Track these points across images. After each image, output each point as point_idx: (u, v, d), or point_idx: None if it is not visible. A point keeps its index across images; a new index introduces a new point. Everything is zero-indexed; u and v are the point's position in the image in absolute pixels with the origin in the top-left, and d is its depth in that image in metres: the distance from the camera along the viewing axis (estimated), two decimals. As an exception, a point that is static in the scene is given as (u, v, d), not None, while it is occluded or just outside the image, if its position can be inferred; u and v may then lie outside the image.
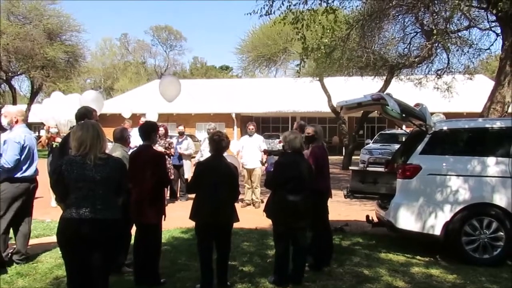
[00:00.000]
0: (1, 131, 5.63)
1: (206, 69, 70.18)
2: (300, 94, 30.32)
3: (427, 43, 14.88)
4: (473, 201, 5.90)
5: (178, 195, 11.21)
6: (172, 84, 8.41)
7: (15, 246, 5.69)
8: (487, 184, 5.92)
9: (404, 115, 6.22)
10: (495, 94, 10.05)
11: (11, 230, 5.66)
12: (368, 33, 14.60)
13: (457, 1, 9.44)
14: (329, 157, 6.11)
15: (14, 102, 30.08)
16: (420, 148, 6.24)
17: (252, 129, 10.41)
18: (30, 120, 24.63)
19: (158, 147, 8.96)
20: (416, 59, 16.73)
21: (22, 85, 50.91)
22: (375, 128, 31.90)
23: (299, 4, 9.75)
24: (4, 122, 5.64)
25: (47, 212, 9.06)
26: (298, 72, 13.67)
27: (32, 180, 5.65)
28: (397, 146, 11.48)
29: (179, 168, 11.00)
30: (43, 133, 12.23)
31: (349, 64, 18.45)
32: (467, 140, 6.47)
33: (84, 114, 5.34)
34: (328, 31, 10.50)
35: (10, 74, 30.60)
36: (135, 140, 7.41)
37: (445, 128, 6.44)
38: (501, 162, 5.94)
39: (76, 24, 30.65)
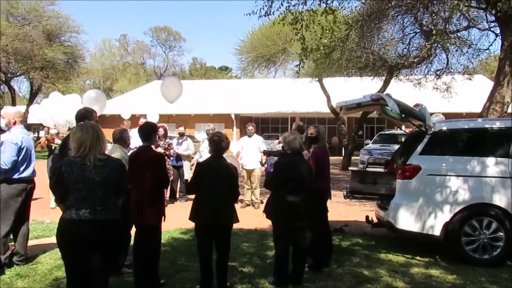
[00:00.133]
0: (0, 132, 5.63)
1: (205, 70, 70.19)
2: (299, 95, 30.33)
3: (426, 43, 14.90)
4: (472, 202, 5.90)
5: (177, 196, 11.21)
6: (174, 85, 8.41)
7: (13, 247, 5.68)
8: (487, 185, 5.92)
9: (403, 115, 6.23)
10: (494, 94, 10.05)
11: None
12: (367, 33, 14.61)
13: (456, 2, 9.44)
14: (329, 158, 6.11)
15: (14, 103, 30.10)
16: (419, 148, 6.24)
17: (252, 129, 10.41)
18: (29, 121, 24.61)
19: (158, 148, 8.96)
20: (415, 60, 16.73)
21: (21, 86, 51.03)
22: (375, 129, 31.90)
23: (298, 4, 9.77)
24: (2, 124, 5.63)
25: (46, 213, 9.06)
26: (297, 73, 13.66)
27: (30, 181, 5.64)
28: (396, 147, 11.49)
29: (178, 168, 10.99)
30: (42, 134, 12.23)
31: (348, 64, 18.46)
32: (467, 141, 6.47)
33: (84, 115, 5.33)
34: (327, 31, 10.51)
35: (9, 75, 30.61)
36: (135, 141, 7.41)
37: (444, 128, 6.44)
38: (500, 163, 5.94)
39: (75, 25, 30.72)
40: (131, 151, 5.67)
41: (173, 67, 69.36)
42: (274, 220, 5.12)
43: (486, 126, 6.62)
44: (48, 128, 10.85)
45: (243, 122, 27.70)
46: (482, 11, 12.20)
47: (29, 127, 31.49)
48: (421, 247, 6.35)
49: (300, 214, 4.97)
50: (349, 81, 22.09)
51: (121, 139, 5.49)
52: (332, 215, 6.27)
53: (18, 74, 31.40)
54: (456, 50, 16.11)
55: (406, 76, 19.87)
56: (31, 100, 31.47)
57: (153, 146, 5.41)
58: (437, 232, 5.95)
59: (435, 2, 12.13)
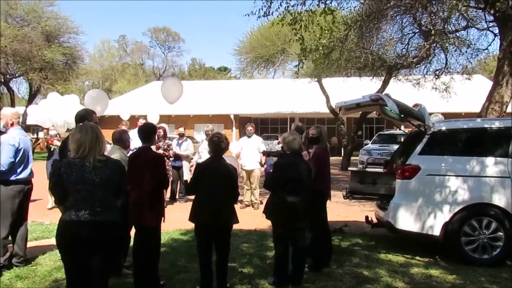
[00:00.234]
0: None
1: (204, 71, 70.18)
2: (298, 95, 30.33)
3: (425, 43, 14.90)
4: (472, 201, 5.90)
5: (177, 197, 11.20)
6: (175, 86, 8.40)
7: (12, 249, 5.66)
8: (486, 184, 5.92)
9: (402, 115, 6.24)
10: (493, 94, 10.06)
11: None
12: (366, 33, 14.61)
13: (455, 2, 9.46)
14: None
15: (12, 105, 30.06)
16: (419, 148, 6.24)
17: (251, 130, 10.41)
18: (28, 122, 24.60)
19: (159, 150, 8.97)
20: (414, 60, 16.74)
21: (20, 87, 50.97)
22: (374, 129, 31.92)
23: (297, 5, 9.78)
24: (0, 125, 5.62)
25: (46, 214, 9.06)
26: (296, 73, 13.68)
27: (27, 182, 5.63)
28: (395, 147, 11.49)
29: (178, 169, 10.99)
30: (41, 135, 12.21)
31: (347, 64, 18.47)
32: (466, 140, 6.48)
33: (84, 116, 5.33)
34: (326, 32, 10.52)
35: (8, 76, 30.61)
36: (134, 142, 7.40)
37: (443, 128, 6.44)
38: (500, 162, 5.95)
39: (74, 26, 30.73)
40: (130, 152, 5.66)
41: (172, 67, 69.38)
42: (274, 220, 5.12)
43: (485, 126, 6.62)
44: (48, 129, 10.81)
45: (242, 123, 27.69)
46: (480, 11, 12.20)
47: (28, 128, 31.50)
48: (421, 247, 6.35)
49: (299, 214, 4.97)
50: (348, 81, 22.10)
51: (121, 140, 5.49)
52: (331, 216, 6.27)
53: (17, 75, 31.41)
54: (455, 50, 16.14)
55: (405, 76, 19.89)
56: (30, 101, 31.45)
57: (153, 147, 5.41)
58: (436, 232, 5.95)
59: (433, 2, 12.13)
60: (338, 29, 12.42)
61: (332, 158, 6.09)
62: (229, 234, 4.89)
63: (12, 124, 5.58)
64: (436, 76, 18.17)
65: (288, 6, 9.61)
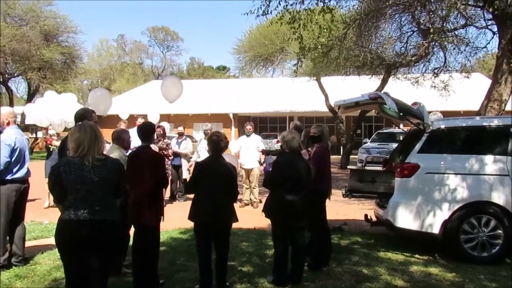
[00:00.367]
0: None
1: (203, 70, 70.12)
2: (297, 94, 30.32)
3: (424, 42, 14.90)
4: (471, 199, 5.91)
5: (176, 196, 11.20)
6: (174, 85, 8.39)
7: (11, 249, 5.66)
8: (485, 182, 5.92)
9: (401, 113, 6.23)
10: (492, 92, 10.07)
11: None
12: (365, 32, 14.61)
13: (453, 0, 9.45)
14: (327, 157, 6.11)
15: (11, 104, 29.98)
16: (418, 146, 6.25)
17: (250, 129, 10.41)
18: (27, 121, 24.58)
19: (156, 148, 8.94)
20: (413, 58, 16.74)
21: (19, 87, 50.87)
22: (373, 127, 31.90)
23: (296, 3, 9.76)
24: None
25: (45, 213, 9.05)
26: (295, 72, 13.71)
27: (24, 182, 5.61)
28: (394, 145, 11.52)
29: (177, 168, 10.98)
30: (40, 135, 12.16)
31: (346, 63, 18.46)
32: (465, 139, 6.48)
33: (83, 115, 5.32)
34: (325, 30, 10.51)
35: (6, 75, 30.54)
36: (133, 141, 7.39)
37: (442, 126, 6.45)
38: (499, 160, 5.95)
39: (73, 25, 30.65)
40: (129, 151, 5.65)
41: (171, 67, 69.32)
42: (273, 219, 5.12)
43: (484, 124, 6.62)
44: (47, 129, 10.79)
45: (241, 122, 27.71)
46: (479, 9, 12.21)
47: (27, 128, 31.46)
48: (420, 245, 6.36)
49: (298, 213, 4.98)
50: (347, 80, 22.11)
51: (120, 140, 5.47)
52: (330, 214, 6.27)
53: (15, 74, 31.35)
54: (454, 49, 16.13)
55: (404, 75, 19.89)
56: (29, 100, 31.39)
57: (152, 146, 5.40)
58: (436, 230, 5.95)
59: (432, 0, 12.14)
60: (337, 28, 12.42)
61: (331, 157, 6.09)
62: (229, 233, 4.88)
63: (8, 123, 5.56)
64: (435, 75, 18.18)
65: (287, 5, 9.60)
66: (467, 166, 6.00)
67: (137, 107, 24.33)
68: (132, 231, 5.06)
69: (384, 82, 19.55)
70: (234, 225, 4.96)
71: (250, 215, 8.58)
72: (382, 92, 6.76)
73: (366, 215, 7.11)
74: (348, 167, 11.59)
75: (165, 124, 13.03)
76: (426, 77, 18.95)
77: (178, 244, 6.74)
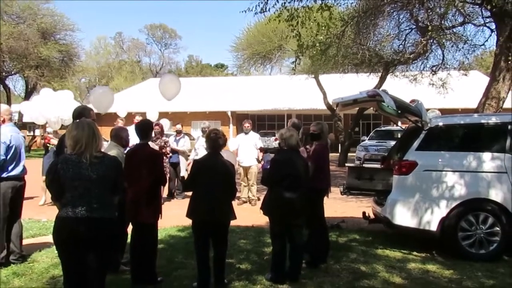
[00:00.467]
0: None
1: (201, 68, 70.02)
2: (295, 92, 30.30)
3: (422, 39, 14.89)
4: (469, 197, 5.92)
5: (174, 194, 11.19)
6: (172, 82, 8.36)
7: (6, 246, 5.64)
8: (483, 180, 5.94)
9: (400, 111, 6.24)
10: (490, 89, 10.08)
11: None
12: (363, 29, 14.60)
13: (451, -3, 9.46)
14: (325, 154, 6.11)
15: (9, 102, 29.99)
16: (416, 144, 6.25)
17: (248, 127, 10.41)
18: (24, 119, 24.53)
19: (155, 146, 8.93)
20: (411, 56, 16.73)
21: (17, 84, 50.76)
22: (371, 125, 31.91)
23: (294, 1, 9.75)
24: None
25: (43, 211, 9.04)
26: (293, 70, 13.66)
27: (20, 179, 5.59)
28: (392, 143, 11.51)
29: (175, 166, 10.98)
30: (38, 132, 12.10)
31: (344, 61, 18.45)
32: (463, 136, 6.50)
33: (81, 113, 5.31)
34: (323, 28, 10.49)
35: (4, 73, 30.49)
36: (131, 138, 7.38)
37: (440, 124, 6.45)
38: (496, 158, 5.96)
39: (70, 23, 30.64)
40: (128, 149, 5.64)
41: (169, 64, 69.23)
42: (271, 216, 5.12)
43: (482, 121, 6.63)
44: (44, 127, 10.74)
45: (240, 119, 27.68)
46: (477, 6, 12.21)
47: (24, 126, 31.41)
48: (418, 243, 6.37)
49: (297, 210, 4.98)
50: (345, 78, 22.09)
51: (118, 137, 5.46)
52: (328, 212, 6.28)
53: (13, 72, 31.31)
54: (452, 46, 16.14)
55: (402, 72, 19.88)
56: (26, 98, 31.26)
57: (151, 144, 5.39)
58: (433, 227, 5.96)
59: (430, -2, 12.14)
60: (335, 25, 12.41)
61: (329, 155, 6.09)
62: (227, 231, 4.89)
63: (3, 121, 5.53)
64: (433, 72, 18.18)
65: (285, 3, 9.59)
66: (465, 164, 6.01)
67: (135, 105, 24.32)
68: (130, 228, 5.06)
69: (382, 80, 19.55)
70: (232, 223, 4.96)
71: (248, 212, 8.58)
72: (380, 89, 6.76)
73: (364, 213, 7.11)
74: (346, 164, 11.58)
75: (165, 121, 12.99)
76: (424, 75, 18.95)
77: (176, 241, 6.74)
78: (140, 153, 4.99)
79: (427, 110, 6.61)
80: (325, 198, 5.86)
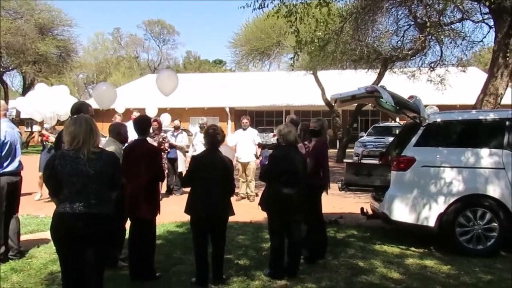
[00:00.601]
0: None
1: (199, 63, 69.88)
2: (294, 88, 30.31)
3: (420, 35, 14.91)
4: (466, 193, 5.93)
5: (172, 189, 11.18)
6: (170, 78, 8.35)
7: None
8: (481, 176, 5.95)
9: (398, 107, 6.24)
10: (488, 86, 10.08)
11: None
12: (362, 26, 14.59)
13: (450, -7, 9.45)
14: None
15: (6, 98, 29.87)
16: (414, 140, 6.26)
17: (246, 123, 10.40)
18: (22, 115, 24.47)
19: (153, 142, 8.92)
20: (409, 52, 16.75)
21: (14, 80, 50.62)
22: (369, 121, 31.97)
23: (292, -3, 9.72)
24: None
25: (41, 207, 9.03)
26: (291, 66, 13.65)
27: (16, 175, 5.57)
28: (391, 139, 11.52)
29: (173, 162, 10.97)
30: (35, 128, 12.00)
31: (342, 57, 18.45)
32: (461, 132, 6.50)
33: (79, 108, 5.29)
34: (322, 24, 10.47)
35: (1, 69, 30.36)
36: (130, 134, 7.37)
37: (438, 120, 6.46)
38: (494, 154, 5.97)
39: (68, 18, 30.52)
40: (126, 145, 5.63)
41: (167, 60, 69.05)
42: (269, 212, 5.13)
43: (480, 117, 6.64)
44: (42, 123, 10.68)
45: (238, 116, 27.69)
46: (476, 3, 12.20)
47: (22, 122, 31.34)
48: (416, 238, 6.38)
49: (295, 206, 4.98)
50: (343, 74, 22.09)
51: (117, 133, 5.44)
52: (327, 208, 6.29)
53: (10, 68, 31.18)
54: (450, 42, 16.14)
55: (400, 69, 19.90)
56: (24, 94, 31.19)
57: (149, 139, 5.39)
58: (431, 223, 5.98)
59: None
60: (334, 22, 12.40)
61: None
62: (225, 227, 4.89)
63: None
64: (431, 69, 18.21)
65: (283, -2, 9.57)
66: (462, 160, 6.02)
67: (133, 101, 24.29)
68: (128, 224, 5.06)
69: (380, 76, 19.56)
70: (231, 219, 4.97)
71: (247, 208, 8.59)
72: (379, 85, 6.76)
73: (362, 209, 7.13)
74: (344, 160, 11.61)
75: (166, 116, 12.96)
76: (423, 71, 18.97)
77: (174, 237, 6.74)
78: (138, 149, 4.99)
79: (425, 106, 6.61)
80: (324, 194, 5.87)
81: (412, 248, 6.14)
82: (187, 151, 11.28)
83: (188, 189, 4.95)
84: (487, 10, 11.39)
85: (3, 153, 5.36)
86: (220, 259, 4.81)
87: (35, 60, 28.23)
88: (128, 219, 5.00)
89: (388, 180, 6.41)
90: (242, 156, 10.18)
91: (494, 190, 5.86)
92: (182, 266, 5.34)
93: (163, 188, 10.45)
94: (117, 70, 62.25)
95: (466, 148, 6.10)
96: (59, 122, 10.63)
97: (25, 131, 34.09)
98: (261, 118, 35.09)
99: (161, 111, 14.43)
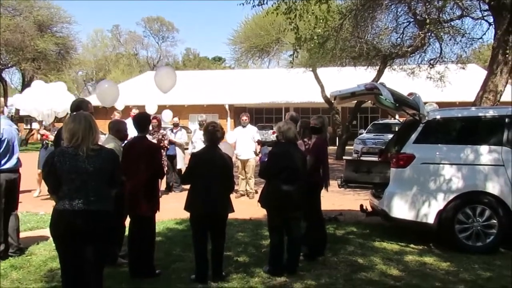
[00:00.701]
0: None
1: (198, 61, 69.77)
2: (293, 85, 30.29)
3: (420, 32, 14.90)
4: (466, 190, 5.93)
5: (172, 187, 11.18)
6: (168, 75, 8.34)
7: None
8: (480, 173, 5.95)
9: (397, 104, 6.25)
10: (487, 83, 10.08)
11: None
12: (361, 23, 14.60)
13: (449, -10, 9.44)
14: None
15: (5, 95, 29.83)
16: (413, 137, 6.26)
17: (246, 120, 10.39)
18: (22, 113, 24.43)
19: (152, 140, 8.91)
20: (409, 49, 16.74)
21: (13, 77, 50.46)
22: (368, 118, 31.94)
23: (292, -6, 9.71)
24: None
25: (40, 205, 9.03)
26: (291, 63, 13.63)
27: (14, 171, 5.57)
28: (390, 136, 11.52)
29: (172, 159, 10.96)
30: (35, 126, 11.98)
31: (342, 54, 18.44)
32: (460, 129, 6.50)
33: (79, 106, 5.29)
34: (321, 21, 10.46)
35: (0, 66, 30.32)
36: (129, 131, 7.37)
37: (438, 117, 6.45)
38: (493, 151, 5.97)
39: (67, 15, 30.45)
40: (125, 142, 5.62)
41: (166, 57, 68.91)
42: (269, 209, 5.13)
43: (480, 114, 6.63)
44: (41, 122, 10.65)
45: (237, 113, 27.67)
46: (475, 0, 12.20)
47: (21, 119, 31.31)
48: (415, 235, 6.39)
49: (294, 203, 4.98)
50: (343, 71, 22.09)
51: (117, 130, 5.44)
52: (326, 205, 6.29)
53: (9, 65, 31.14)
54: (450, 39, 16.15)
55: (400, 66, 19.90)
56: (23, 91, 31.19)
57: (149, 137, 5.38)
58: (430, 220, 5.98)
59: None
60: (333, 19, 12.40)
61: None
62: (225, 224, 4.90)
63: None
64: (430, 66, 18.21)
65: (282, -5, 9.56)
66: (462, 156, 6.02)
67: (132, 98, 24.25)
68: (128, 221, 5.06)
69: (380, 73, 19.55)
70: (230, 216, 4.97)
71: (246, 205, 8.60)
72: (378, 82, 6.75)
73: (361, 205, 7.13)
74: (344, 157, 11.60)
75: (168, 113, 12.93)
76: (422, 68, 18.98)
77: (174, 234, 6.74)
78: (138, 146, 4.98)
79: (425, 103, 6.62)
80: (324, 191, 5.87)
81: (412, 245, 6.15)
82: (186, 148, 11.28)
83: (187, 186, 4.95)
84: (486, 7, 11.39)
85: (0, 150, 5.35)
86: (219, 256, 4.82)
87: (34, 57, 28.18)
88: (128, 216, 5.01)
89: (388, 177, 6.42)
90: (241, 153, 10.17)
91: (493, 187, 5.87)
92: (181, 263, 5.34)
93: (163, 185, 10.44)
94: (116, 67, 62.14)
95: (465, 145, 6.10)
96: (57, 119, 10.60)
97: (25, 129, 34.09)
98: (261, 115, 35.06)
99: (160, 108, 14.40)
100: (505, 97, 10.61)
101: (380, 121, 22.98)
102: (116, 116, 9.59)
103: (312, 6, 9.82)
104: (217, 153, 4.81)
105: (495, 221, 5.83)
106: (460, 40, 15.96)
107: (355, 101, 18.58)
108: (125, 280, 4.76)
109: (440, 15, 13.34)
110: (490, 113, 6.54)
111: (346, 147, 21.47)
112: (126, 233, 5.26)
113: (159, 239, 5.95)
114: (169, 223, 7.36)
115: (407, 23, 16.15)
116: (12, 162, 5.52)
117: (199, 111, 26.13)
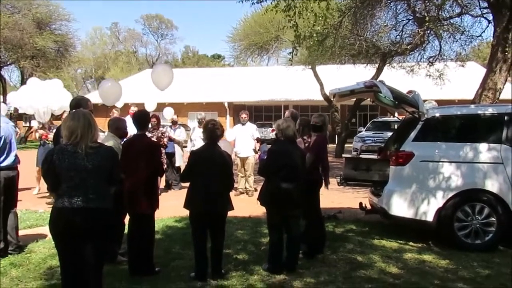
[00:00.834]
0: None
1: (198, 58, 69.70)
2: (292, 83, 30.27)
3: (419, 30, 14.88)
4: (465, 187, 5.94)
5: (171, 184, 11.18)
6: (165, 72, 8.32)
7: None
8: (479, 170, 5.95)
9: (397, 102, 6.24)
10: (486, 81, 10.08)
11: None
12: (361, 20, 14.58)
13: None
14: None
15: (4, 93, 29.77)
16: (412, 135, 6.26)
17: (245, 117, 10.39)
18: (21, 111, 24.38)
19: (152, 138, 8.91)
20: (408, 47, 16.73)
21: (12, 75, 50.45)
22: (368, 116, 31.96)
23: (291, -9, 9.69)
24: None
25: (39, 202, 9.02)
26: (290, 60, 13.63)
27: (12, 169, 5.56)
28: (389, 134, 11.53)
29: (171, 156, 10.95)
30: (34, 124, 11.93)
31: (341, 52, 18.43)
32: (459, 127, 6.50)
33: (78, 103, 5.28)
34: (321, 18, 10.46)
35: (-1, 64, 30.32)
36: (129, 129, 7.36)
37: (437, 115, 6.46)
38: (493, 148, 5.97)
39: (66, 13, 30.45)
40: (124, 140, 5.62)
41: (165, 55, 68.81)
42: (268, 207, 5.13)
43: (479, 112, 6.64)
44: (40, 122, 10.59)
45: (236, 110, 27.61)
46: (475, -3, 12.19)
47: (20, 117, 31.28)
48: (414, 233, 6.40)
49: (293, 201, 4.98)
50: (342, 69, 22.07)
51: (117, 128, 5.43)
52: (325, 202, 6.30)
53: (8, 63, 31.12)
54: (449, 37, 16.14)
55: (399, 63, 19.90)
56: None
57: (148, 134, 5.38)
58: (430, 218, 5.99)
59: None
60: (332, 16, 12.38)
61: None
62: (224, 222, 4.89)
63: None
64: (430, 63, 18.20)
65: (281, -7, 9.54)
66: (461, 154, 6.02)
67: (131, 95, 24.20)
68: (127, 219, 5.06)
69: (379, 71, 19.54)
70: (230, 214, 4.96)
71: (245, 203, 8.60)
72: (378, 80, 6.75)
73: (360, 203, 7.13)
74: (343, 155, 11.62)
75: (169, 110, 12.91)
76: (421, 66, 18.97)
77: (173, 232, 6.75)
78: (137, 144, 4.98)
79: (424, 101, 6.62)
80: (324, 189, 5.87)
81: (411, 243, 6.15)
82: (185, 146, 11.28)
83: (186, 184, 4.95)
84: (486, 4, 11.39)
85: None
86: (219, 254, 4.82)
87: (33, 55, 28.18)
88: (127, 214, 5.01)
89: (387, 175, 6.41)
90: (241, 151, 10.17)
91: (492, 185, 5.87)
92: (181, 261, 5.34)
93: (162, 183, 10.44)
94: (115, 65, 62.01)
95: (464, 143, 6.10)
96: (54, 117, 10.56)
97: (24, 126, 34.02)
98: (260, 113, 35.05)
99: (159, 106, 14.37)
100: (504, 95, 10.60)
101: (379, 119, 22.98)
102: (115, 113, 9.58)
103: (311, 4, 9.81)
104: (216, 151, 4.81)
105: (494, 219, 5.84)
106: (460, 38, 15.96)
107: (355, 99, 18.55)
108: (125, 277, 4.76)
109: (440, 13, 13.32)
110: (489, 111, 6.54)
111: (346, 145, 21.48)
112: (126, 231, 5.26)
113: (158, 237, 5.96)
114: (169, 221, 7.36)
115: (407, 21, 16.13)
116: (10, 159, 5.52)
117: (198, 109, 26.11)
